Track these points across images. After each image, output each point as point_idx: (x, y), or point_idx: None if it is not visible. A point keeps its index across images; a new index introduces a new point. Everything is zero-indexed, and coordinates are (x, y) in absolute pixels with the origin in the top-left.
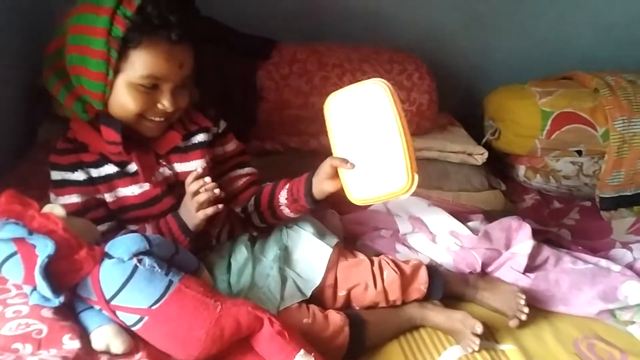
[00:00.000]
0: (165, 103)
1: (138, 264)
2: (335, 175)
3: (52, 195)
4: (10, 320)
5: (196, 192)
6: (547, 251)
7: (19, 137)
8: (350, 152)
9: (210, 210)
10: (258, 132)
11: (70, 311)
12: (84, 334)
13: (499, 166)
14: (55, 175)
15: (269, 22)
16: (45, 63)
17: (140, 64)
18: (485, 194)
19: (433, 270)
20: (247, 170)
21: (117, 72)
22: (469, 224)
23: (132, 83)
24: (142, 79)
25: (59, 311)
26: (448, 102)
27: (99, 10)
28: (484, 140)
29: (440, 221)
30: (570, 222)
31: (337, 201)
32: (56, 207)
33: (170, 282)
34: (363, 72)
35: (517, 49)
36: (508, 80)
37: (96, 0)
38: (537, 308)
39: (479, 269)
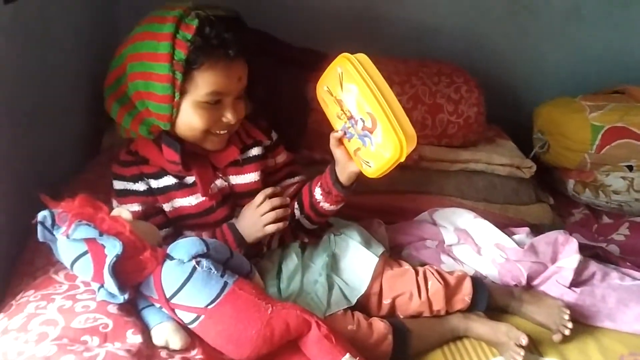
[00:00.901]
0: (229, 116)
1: (197, 266)
2: (350, 156)
3: (114, 202)
4: (79, 314)
5: (265, 211)
6: (593, 266)
7: (86, 144)
8: (347, 129)
9: (281, 226)
10: (308, 142)
11: (133, 308)
12: (145, 330)
13: (548, 180)
14: (118, 185)
15: (319, 35)
16: (105, 93)
17: (203, 82)
18: (532, 208)
19: (478, 281)
20: (297, 179)
21: (182, 93)
22: (515, 236)
23: (197, 102)
24: (206, 96)
25: (123, 307)
26: (497, 114)
27: (159, 37)
28: (532, 153)
29: (486, 233)
30: (619, 238)
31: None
32: (124, 211)
33: (225, 284)
34: (411, 84)
35: (567, 62)
36: (558, 94)
37: (154, 27)
38: (583, 323)
39: (524, 282)
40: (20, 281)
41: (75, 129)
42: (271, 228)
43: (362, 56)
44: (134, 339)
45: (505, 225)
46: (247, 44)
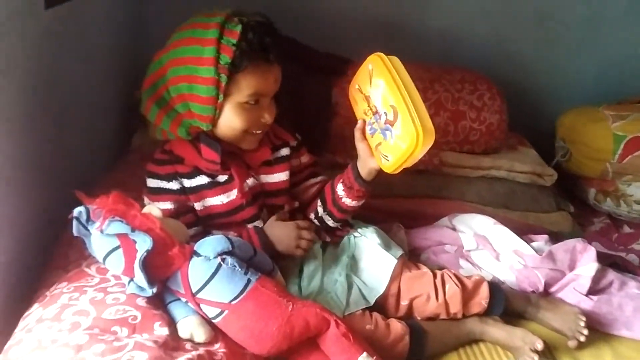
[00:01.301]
0: (266, 116)
1: (222, 263)
2: (372, 152)
3: (146, 200)
4: (110, 306)
5: (306, 238)
6: (611, 275)
7: (117, 144)
8: (372, 124)
9: (303, 255)
10: (331, 146)
11: (160, 302)
12: (171, 323)
13: (569, 188)
14: (152, 183)
15: (344, 41)
16: (143, 96)
17: (246, 85)
18: (552, 215)
19: (495, 286)
20: (319, 178)
21: (225, 95)
22: (533, 244)
23: (239, 103)
24: (247, 97)
25: (151, 301)
26: (519, 121)
27: (203, 42)
28: (554, 161)
29: (505, 240)
30: (639, 248)
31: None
32: (154, 209)
33: (249, 281)
34: (434, 91)
35: (590, 70)
36: (581, 102)
37: (197, 33)
38: (599, 330)
39: (541, 289)
40: (54, 273)
41: (106, 129)
42: (299, 253)
43: (394, 57)
44: (161, 331)
45: (525, 232)
46: (281, 47)
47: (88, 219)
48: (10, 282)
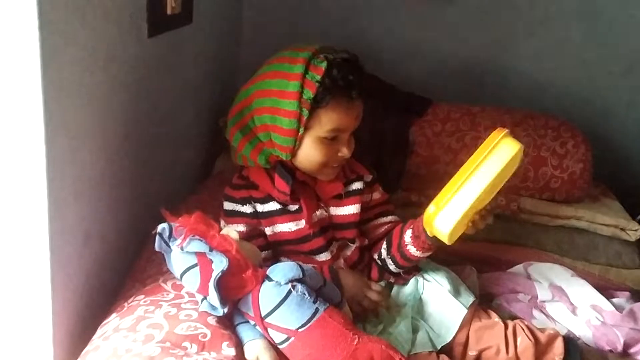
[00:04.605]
0: (344, 151)
1: (292, 289)
2: None
3: (222, 222)
4: (182, 322)
5: (376, 300)
6: None
7: (201, 167)
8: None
9: (358, 314)
10: (406, 184)
11: (230, 322)
12: (239, 344)
13: None
14: (228, 206)
15: (429, 82)
16: (229, 123)
17: (327, 120)
18: (636, 272)
19: (571, 342)
20: (390, 218)
21: (306, 128)
22: (614, 300)
23: (318, 137)
24: (327, 132)
25: (221, 321)
26: (605, 172)
27: (289, 76)
28: (639, 216)
29: (583, 293)
30: None
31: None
32: (232, 231)
33: (317, 310)
34: (515, 135)
35: None
36: None
37: (284, 67)
38: None
39: (620, 349)
40: (132, 285)
41: (192, 152)
42: (358, 308)
43: (512, 143)
44: (229, 351)
45: (605, 288)
46: (364, 85)
47: (170, 235)
48: (94, 290)
